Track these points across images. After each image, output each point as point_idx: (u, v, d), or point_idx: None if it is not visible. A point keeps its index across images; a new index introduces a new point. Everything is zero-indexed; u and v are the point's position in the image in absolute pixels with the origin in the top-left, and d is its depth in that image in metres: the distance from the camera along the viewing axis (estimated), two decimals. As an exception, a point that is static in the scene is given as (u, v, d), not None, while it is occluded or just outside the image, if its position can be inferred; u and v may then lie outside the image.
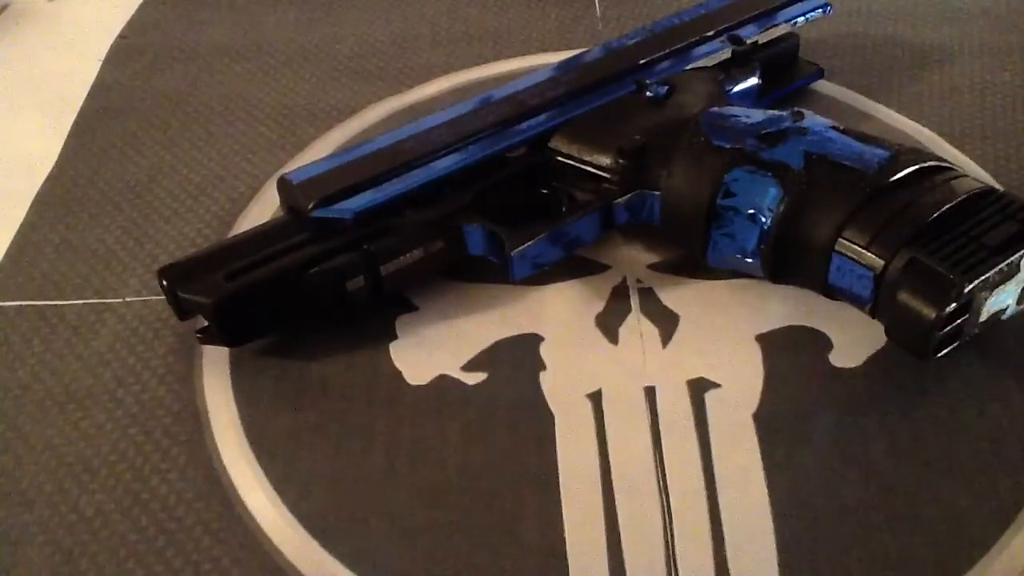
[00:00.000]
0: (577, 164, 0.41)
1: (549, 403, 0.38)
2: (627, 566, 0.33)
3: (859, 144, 0.37)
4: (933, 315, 0.32)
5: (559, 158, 0.41)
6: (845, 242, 0.35)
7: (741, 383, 0.38)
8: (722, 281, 0.41)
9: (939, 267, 0.32)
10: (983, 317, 0.34)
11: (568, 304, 0.41)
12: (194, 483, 0.36)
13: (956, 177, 0.36)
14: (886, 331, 0.36)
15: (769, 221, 0.37)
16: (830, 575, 0.32)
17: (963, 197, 0.35)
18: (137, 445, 0.37)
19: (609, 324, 0.40)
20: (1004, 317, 0.35)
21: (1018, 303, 0.35)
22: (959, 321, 0.33)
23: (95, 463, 0.36)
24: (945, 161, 0.37)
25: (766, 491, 0.34)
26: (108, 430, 0.38)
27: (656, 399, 0.37)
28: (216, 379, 0.39)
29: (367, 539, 0.34)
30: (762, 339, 0.39)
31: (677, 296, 0.41)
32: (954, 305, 0.32)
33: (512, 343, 0.40)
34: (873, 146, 0.37)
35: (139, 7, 0.64)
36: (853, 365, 0.38)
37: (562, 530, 0.34)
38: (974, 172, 0.46)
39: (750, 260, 0.38)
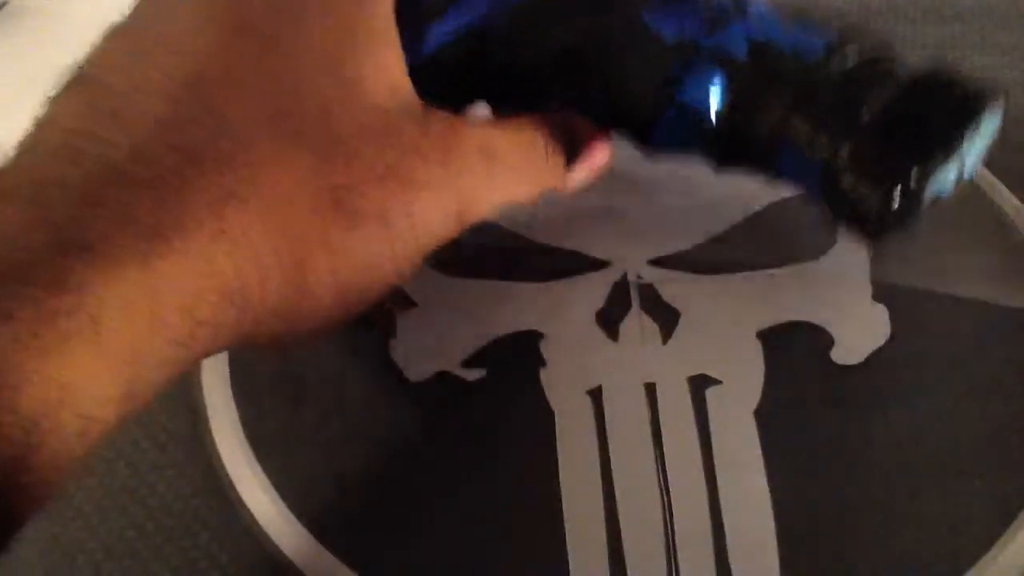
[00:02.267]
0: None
1: (549, 400, 0.37)
2: (627, 563, 0.33)
3: (803, 30, 0.36)
4: (879, 201, 0.33)
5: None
6: (792, 131, 0.35)
7: (742, 379, 0.38)
8: (723, 276, 0.41)
9: (883, 152, 0.32)
10: (928, 196, 0.34)
11: (568, 301, 0.41)
12: (192, 480, 0.36)
13: (901, 61, 0.36)
14: (833, 216, 0.35)
15: (714, 112, 0.36)
16: (831, 573, 0.32)
17: (909, 80, 0.34)
18: (134, 442, 0.37)
19: (609, 320, 0.40)
20: (945, 195, 0.35)
21: (958, 180, 0.35)
22: (905, 202, 0.33)
23: (92, 460, 0.36)
24: (890, 45, 0.36)
25: (767, 488, 0.34)
26: (105, 426, 0.37)
27: (657, 396, 0.37)
28: (214, 375, 0.39)
29: (366, 536, 0.34)
30: (763, 335, 0.39)
31: (678, 292, 0.41)
32: (900, 188, 0.33)
33: (511, 340, 0.40)
34: (817, 31, 0.36)
35: (137, 1, 0.63)
36: (855, 362, 0.38)
37: (562, 527, 0.33)
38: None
39: (696, 150, 0.37)
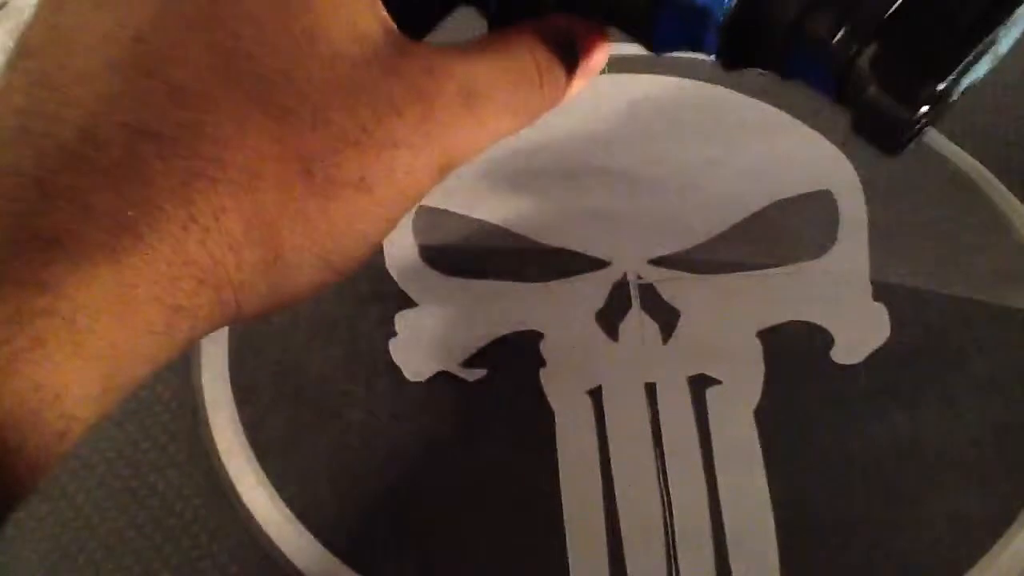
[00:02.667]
0: None
1: (549, 400, 0.37)
2: (627, 562, 0.32)
3: None
4: (907, 116, 0.31)
5: None
6: (808, 31, 0.33)
7: (742, 379, 0.38)
8: (723, 276, 0.41)
9: (911, 62, 0.30)
10: (955, 97, 0.32)
11: (568, 301, 0.41)
12: (192, 479, 0.36)
13: None
14: (852, 125, 0.33)
15: (723, 11, 0.34)
16: (831, 573, 0.32)
17: None
18: (134, 442, 0.37)
19: (609, 320, 0.40)
20: (977, 84, 0.33)
21: (991, 69, 0.33)
22: (933, 111, 0.32)
23: (93, 459, 0.36)
24: None
25: (767, 488, 0.34)
26: (105, 426, 0.37)
27: (657, 396, 0.37)
28: (214, 375, 0.39)
29: (365, 535, 0.34)
30: (763, 335, 0.39)
31: (678, 292, 0.41)
32: (928, 106, 0.31)
33: (512, 340, 0.40)
34: None
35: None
36: (855, 362, 0.38)
37: (562, 527, 0.33)
38: (972, 167, 0.46)
39: (702, 48, 0.35)
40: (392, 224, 0.26)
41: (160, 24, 0.23)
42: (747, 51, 0.33)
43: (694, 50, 0.33)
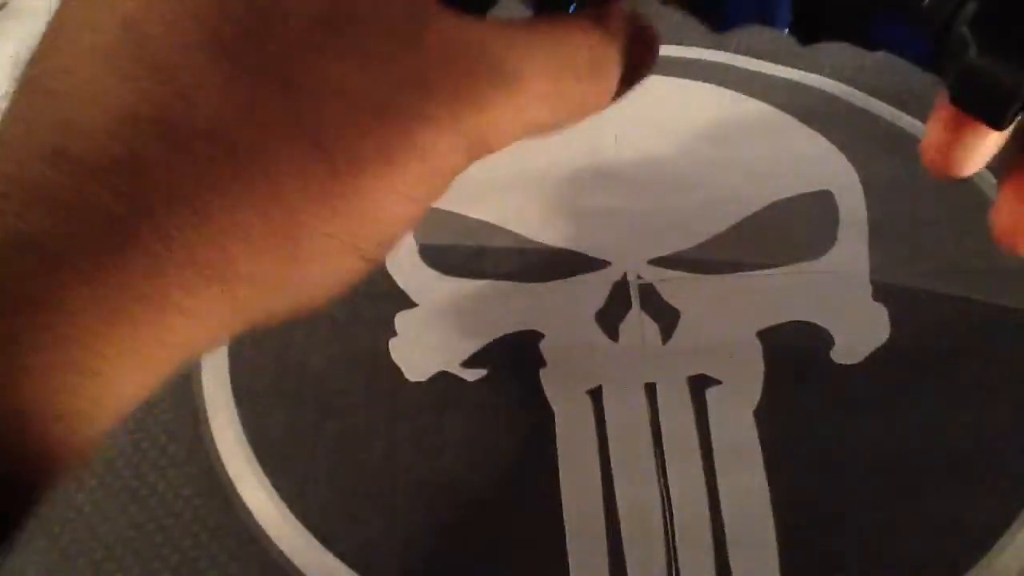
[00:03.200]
0: None
1: (549, 400, 0.37)
2: (627, 562, 0.32)
3: None
4: (1013, 83, 0.28)
5: None
6: None
7: (742, 380, 0.38)
8: (723, 276, 0.41)
9: (1019, 17, 0.28)
10: None
11: (568, 301, 0.41)
12: (192, 480, 0.36)
13: None
14: (951, 97, 0.31)
15: None
16: (831, 573, 0.32)
17: None
18: (135, 442, 0.37)
19: (609, 321, 0.40)
20: None
21: None
22: None
23: (93, 459, 0.36)
24: None
25: (767, 488, 0.34)
26: (105, 426, 0.38)
27: (656, 396, 0.37)
28: (214, 375, 0.39)
29: (365, 536, 0.34)
30: (763, 335, 0.39)
31: (678, 292, 0.41)
32: None
33: (512, 340, 0.40)
34: None
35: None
36: (854, 362, 0.38)
37: (562, 526, 0.33)
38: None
39: (775, 24, 0.33)
40: (419, 206, 0.24)
41: (153, 8, 0.21)
42: (824, 21, 0.31)
43: (764, 24, 0.31)
